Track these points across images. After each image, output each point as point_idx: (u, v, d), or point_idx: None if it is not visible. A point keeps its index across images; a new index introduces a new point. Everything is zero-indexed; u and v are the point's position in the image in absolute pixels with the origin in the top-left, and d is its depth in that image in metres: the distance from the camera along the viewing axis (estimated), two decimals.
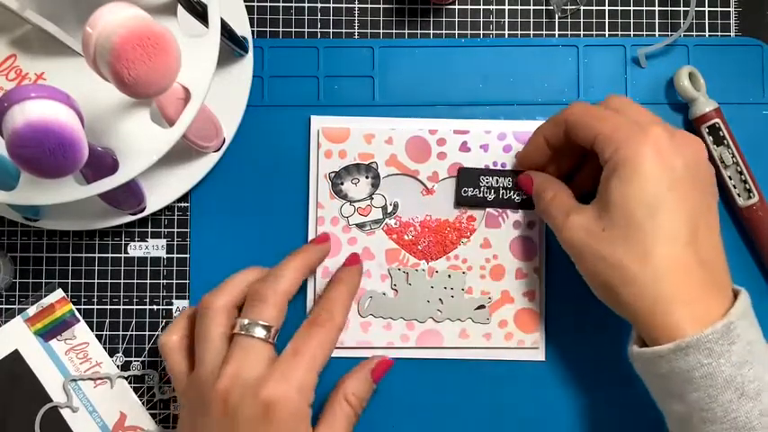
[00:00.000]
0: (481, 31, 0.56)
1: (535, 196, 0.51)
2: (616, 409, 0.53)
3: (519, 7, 0.56)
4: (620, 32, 0.56)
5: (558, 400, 0.54)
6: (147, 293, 0.55)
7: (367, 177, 0.54)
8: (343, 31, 0.56)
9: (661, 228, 0.44)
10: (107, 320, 0.55)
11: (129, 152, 0.46)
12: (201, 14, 0.47)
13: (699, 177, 0.46)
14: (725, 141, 0.53)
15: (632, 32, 0.56)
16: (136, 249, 0.55)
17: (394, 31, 0.56)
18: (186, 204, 0.55)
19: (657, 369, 0.43)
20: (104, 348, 0.54)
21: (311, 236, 0.54)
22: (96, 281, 0.55)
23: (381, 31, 0.56)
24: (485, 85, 0.55)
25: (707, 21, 0.56)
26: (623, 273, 0.44)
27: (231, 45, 0.52)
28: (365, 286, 0.53)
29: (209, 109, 0.51)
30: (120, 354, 0.55)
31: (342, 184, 0.54)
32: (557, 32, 0.56)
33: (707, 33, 0.56)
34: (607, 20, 0.56)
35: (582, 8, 0.56)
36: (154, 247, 0.55)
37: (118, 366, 0.55)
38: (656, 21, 0.56)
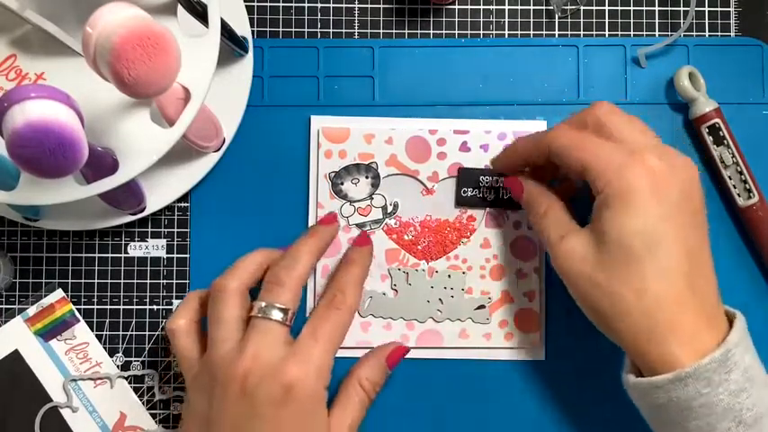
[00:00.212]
0: (481, 31, 0.56)
1: (525, 205, 0.50)
2: (616, 409, 0.53)
3: (519, 7, 0.56)
4: (620, 32, 0.56)
5: (558, 400, 0.54)
6: (147, 293, 0.55)
7: (367, 177, 0.54)
8: (343, 31, 0.56)
9: (659, 261, 0.43)
10: (107, 320, 0.55)
11: (129, 152, 0.46)
12: (201, 14, 0.47)
13: (693, 205, 0.45)
14: (725, 141, 0.53)
15: (632, 32, 0.56)
16: (136, 249, 0.55)
17: (394, 31, 0.56)
18: (186, 204, 0.55)
19: (655, 399, 0.43)
20: (104, 348, 0.54)
21: None
22: (96, 281, 0.55)
23: (381, 31, 0.56)
24: (485, 85, 0.55)
25: (707, 21, 0.56)
26: (618, 304, 0.43)
27: (231, 45, 0.52)
28: (365, 286, 0.53)
29: (209, 109, 0.51)
30: (120, 354, 0.55)
31: (342, 184, 0.54)
32: (557, 32, 0.56)
33: (707, 33, 0.56)
34: (607, 20, 0.56)
35: (582, 8, 0.56)
36: (154, 247, 0.55)
37: (118, 366, 0.55)
38: (656, 21, 0.56)
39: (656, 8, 0.56)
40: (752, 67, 0.55)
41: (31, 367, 0.54)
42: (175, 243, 0.55)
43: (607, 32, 0.56)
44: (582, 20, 0.56)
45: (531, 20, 0.56)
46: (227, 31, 0.50)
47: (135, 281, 0.55)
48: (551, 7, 0.56)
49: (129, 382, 0.55)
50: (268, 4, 0.56)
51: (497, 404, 0.54)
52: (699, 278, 0.44)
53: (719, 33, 0.56)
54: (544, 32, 0.56)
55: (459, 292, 0.54)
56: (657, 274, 0.43)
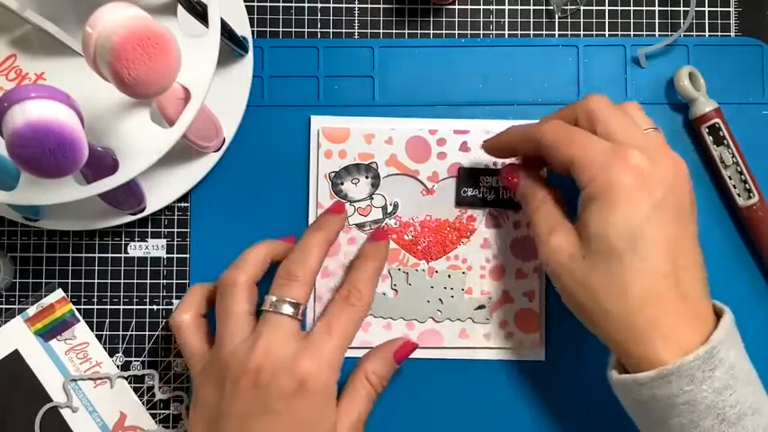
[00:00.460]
0: (481, 31, 0.56)
1: (520, 197, 0.50)
2: (616, 409, 0.53)
3: (519, 7, 0.56)
4: (620, 32, 0.56)
5: (558, 400, 0.54)
6: (147, 293, 0.55)
7: (367, 177, 0.54)
8: (343, 31, 0.56)
9: (641, 259, 0.42)
10: (107, 320, 0.55)
11: (129, 152, 0.46)
12: (201, 14, 0.47)
13: (680, 203, 0.44)
14: (725, 141, 0.53)
15: (632, 32, 0.56)
16: (136, 249, 0.55)
17: (394, 31, 0.56)
18: (186, 204, 0.55)
19: (638, 396, 0.43)
20: (104, 348, 0.54)
21: None
22: (96, 281, 0.55)
23: (381, 31, 0.56)
24: (485, 85, 0.55)
25: (707, 21, 0.56)
26: (601, 301, 0.43)
27: (231, 45, 0.52)
28: None
29: (209, 109, 0.51)
30: (120, 354, 0.55)
31: (342, 184, 0.54)
32: (557, 32, 0.56)
33: (707, 33, 0.56)
34: (607, 20, 0.56)
35: (582, 8, 0.56)
36: (154, 247, 0.55)
37: (118, 366, 0.55)
38: (656, 21, 0.56)
39: (656, 8, 0.56)
40: (752, 67, 0.55)
41: (31, 367, 0.54)
42: (175, 243, 0.55)
43: (607, 32, 0.56)
44: (582, 20, 0.56)
45: (531, 20, 0.56)
46: (227, 31, 0.50)
47: (135, 281, 0.55)
48: (551, 7, 0.56)
49: (129, 382, 0.55)
50: (268, 4, 0.56)
51: (497, 404, 0.54)
52: (683, 275, 0.43)
53: (719, 33, 0.56)
54: (544, 32, 0.56)
55: (459, 292, 0.54)
56: (640, 272, 0.43)
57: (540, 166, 0.51)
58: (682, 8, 0.56)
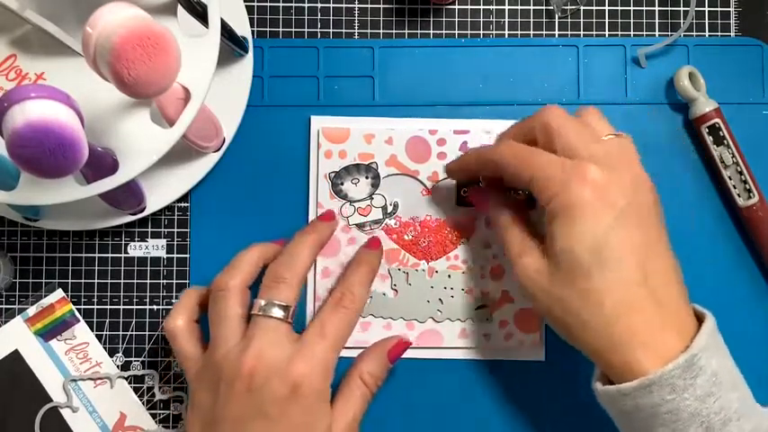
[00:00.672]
0: (481, 31, 0.56)
1: (490, 216, 0.51)
2: None
3: (519, 7, 0.56)
4: (620, 32, 0.56)
5: (558, 400, 0.54)
6: (147, 293, 0.55)
7: (367, 177, 0.54)
8: (343, 31, 0.56)
9: (611, 271, 0.43)
10: (107, 320, 0.55)
11: (129, 152, 0.46)
12: (201, 14, 0.47)
13: (643, 210, 0.44)
14: (725, 141, 0.53)
15: (632, 32, 0.56)
16: (136, 249, 0.55)
17: (394, 31, 0.56)
18: (186, 204, 0.55)
19: (622, 406, 0.43)
20: (104, 348, 0.54)
21: None
22: (96, 281, 0.55)
23: (381, 31, 0.56)
24: (485, 85, 0.55)
25: (707, 21, 0.56)
26: (577, 316, 0.43)
27: (231, 45, 0.52)
28: None
29: (209, 109, 0.51)
30: (120, 354, 0.55)
31: (342, 184, 0.54)
32: (557, 32, 0.56)
33: (707, 33, 0.56)
34: (607, 20, 0.56)
35: (582, 8, 0.56)
36: (154, 247, 0.55)
37: (118, 366, 0.55)
38: (656, 21, 0.56)
39: (656, 8, 0.56)
40: (752, 67, 0.55)
41: (31, 367, 0.54)
42: (175, 243, 0.55)
43: (607, 32, 0.56)
44: (582, 20, 0.56)
45: (531, 20, 0.56)
46: (227, 31, 0.50)
47: (135, 281, 0.55)
48: (551, 7, 0.56)
49: (129, 382, 0.55)
50: (268, 4, 0.56)
51: (497, 404, 0.54)
52: (656, 282, 0.43)
53: (719, 33, 0.56)
54: (544, 32, 0.56)
55: (459, 292, 0.54)
56: (612, 282, 0.43)
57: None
58: (682, 8, 0.56)
